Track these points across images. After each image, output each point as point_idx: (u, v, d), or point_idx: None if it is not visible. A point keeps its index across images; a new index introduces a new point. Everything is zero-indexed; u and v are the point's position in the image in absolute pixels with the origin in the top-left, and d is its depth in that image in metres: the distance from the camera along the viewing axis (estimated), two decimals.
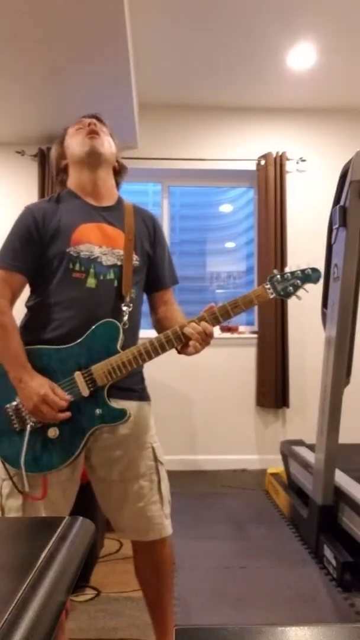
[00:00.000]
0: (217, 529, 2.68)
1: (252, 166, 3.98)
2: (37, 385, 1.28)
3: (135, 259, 1.44)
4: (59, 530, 0.72)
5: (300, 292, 1.32)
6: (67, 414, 1.29)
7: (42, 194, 3.82)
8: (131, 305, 1.40)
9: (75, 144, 1.48)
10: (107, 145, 1.49)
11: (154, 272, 1.53)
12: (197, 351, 1.30)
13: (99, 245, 1.40)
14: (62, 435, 1.30)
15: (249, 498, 3.25)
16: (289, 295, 1.31)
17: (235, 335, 3.95)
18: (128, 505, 1.41)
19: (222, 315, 1.30)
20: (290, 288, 1.30)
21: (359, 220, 2.20)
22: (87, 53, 2.74)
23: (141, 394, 1.46)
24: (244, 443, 3.93)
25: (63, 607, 0.58)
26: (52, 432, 1.30)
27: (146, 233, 1.51)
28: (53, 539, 0.69)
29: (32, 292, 1.46)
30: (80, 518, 0.78)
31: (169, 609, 1.52)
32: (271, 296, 1.31)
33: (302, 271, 1.31)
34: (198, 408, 3.90)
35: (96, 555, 2.26)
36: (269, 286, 1.31)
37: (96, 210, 1.46)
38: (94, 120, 1.51)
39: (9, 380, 1.32)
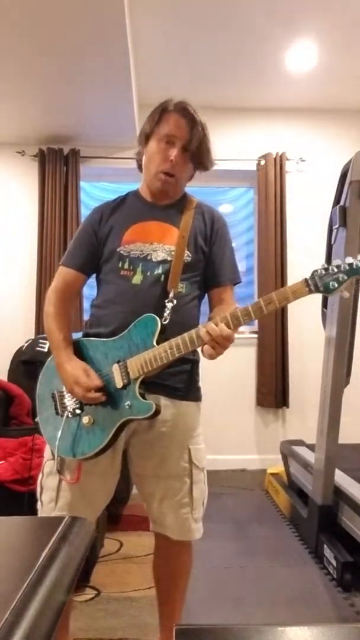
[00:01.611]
0: (217, 528, 2.68)
1: (252, 166, 3.98)
2: (72, 367, 1.35)
3: (187, 255, 1.43)
4: (59, 530, 0.72)
5: (346, 288, 1.18)
6: (98, 394, 1.32)
7: (42, 194, 3.81)
8: (175, 300, 1.38)
9: (150, 166, 1.44)
10: (180, 182, 1.47)
11: (210, 269, 1.50)
12: (210, 356, 1.25)
13: (149, 243, 1.42)
14: (95, 425, 1.34)
15: (249, 498, 3.25)
16: (329, 291, 1.17)
17: (235, 335, 3.94)
18: (157, 501, 1.43)
19: (255, 312, 1.22)
20: (334, 283, 1.17)
21: (359, 220, 2.20)
22: (88, 53, 2.73)
23: (185, 393, 1.44)
24: (244, 443, 3.92)
25: (63, 606, 0.58)
26: (86, 420, 1.35)
27: (202, 229, 1.49)
28: (53, 538, 0.69)
29: (96, 290, 1.53)
30: (81, 518, 0.78)
31: (178, 609, 1.54)
32: (308, 294, 1.20)
33: (350, 264, 1.17)
34: None
35: (96, 555, 2.26)
36: (309, 281, 1.19)
37: (153, 208, 1.47)
38: (177, 155, 1.40)
39: None
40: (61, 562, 0.63)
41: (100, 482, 1.41)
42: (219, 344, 1.22)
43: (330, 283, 1.17)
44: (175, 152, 1.40)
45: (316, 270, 1.19)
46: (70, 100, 3.28)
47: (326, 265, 1.19)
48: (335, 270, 1.17)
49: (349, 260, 1.18)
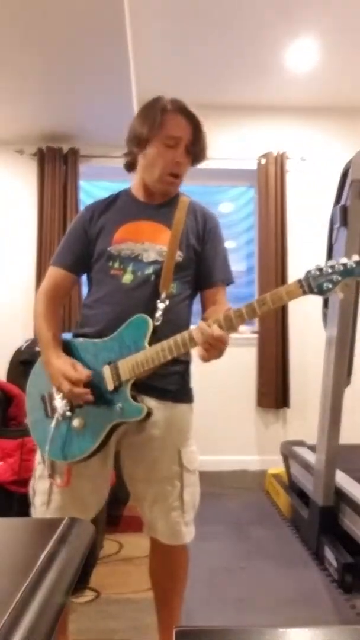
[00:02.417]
0: (217, 529, 2.68)
1: (252, 165, 3.98)
2: (59, 363, 1.34)
3: (179, 255, 1.41)
4: (58, 531, 0.71)
5: (341, 289, 1.14)
6: (86, 390, 1.30)
7: (41, 192, 3.82)
8: (167, 301, 1.36)
9: (154, 169, 1.42)
10: (181, 181, 1.47)
11: (203, 270, 1.48)
12: (203, 358, 1.22)
13: (141, 243, 1.41)
14: (85, 427, 1.32)
15: (249, 499, 3.24)
16: (324, 291, 1.14)
17: (236, 335, 3.93)
18: (148, 504, 1.41)
19: (247, 313, 1.19)
20: (328, 284, 1.14)
21: None
22: (87, 52, 2.73)
23: (176, 395, 1.42)
24: (244, 443, 3.92)
25: (62, 608, 0.57)
26: (77, 423, 1.33)
27: (195, 229, 1.47)
28: (52, 540, 0.68)
29: (87, 290, 1.52)
30: (80, 519, 0.77)
31: (176, 612, 1.52)
32: (302, 294, 1.17)
33: (344, 264, 1.13)
34: (198, 408, 3.84)
35: (96, 556, 2.25)
36: (302, 282, 1.16)
37: (145, 207, 1.46)
38: (182, 157, 1.40)
39: None
40: (60, 563, 0.63)
41: (91, 485, 1.39)
42: (212, 346, 1.19)
43: (324, 284, 1.14)
44: (180, 154, 1.39)
45: (310, 271, 1.16)
46: (70, 99, 3.28)
47: (320, 266, 1.16)
48: (330, 271, 1.14)
49: (343, 260, 1.14)
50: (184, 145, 1.40)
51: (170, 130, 1.38)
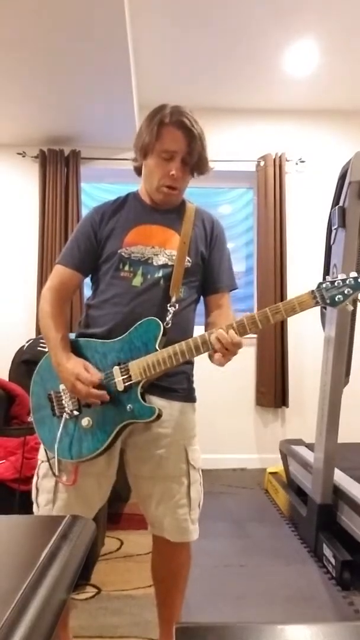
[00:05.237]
0: (216, 527, 2.70)
1: (251, 167, 3.99)
2: (72, 365, 1.34)
3: (188, 261, 1.44)
4: (60, 528, 0.72)
5: (351, 302, 1.21)
6: (102, 392, 1.31)
7: (43, 195, 3.83)
8: (177, 305, 1.39)
9: (152, 180, 1.44)
10: (181, 192, 1.49)
11: (209, 275, 1.51)
12: (220, 363, 1.26)
13: (151, 246, 1.43)
14: (94, 427, 1.34)
15: (248, 497, 3.26)
16: (336, 303, 1.20)
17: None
18: (155, 503, 1.43)
19: (261, 322, 1.24)
20: (340, 296, 1.20)
21: (358, 221, 2.21)
22: (88, 54, 2.74)
23: (182, 395, 1.45)
24: (243, 442, 3.93)
25: (64, 605, 0.58)
26: (85, 422, 1.34)
27: (203, 235, 1.51)
28: (54, 537, 0.70)
29: (91, 291, 1.52)
30: (82, 517, 0.79)
31: (177, 608, 1.54)
32: (314, 305, 1.22)
33: (355, 278, 1.20)
34: (198, 407, 3.89)
35: (97, 553, 2.27)
36: (315, 293, 1.22)
37: (154, 212, 1.48)
38: (177, 170, 1.41)
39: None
40: (62, 561, 0.64)
41: (96, 484, 1.41)
42: (229, 351, 1.24)
43: (337, 296, 1.20)
44: (175, 167, 1.40)
45: (322, 283, 1.21)
46: (71, 102, 3.29)
47: (331, 278, 1.21)
48: (342, 283, 1.20)
49: (354, 274, 1.20)
50: (181, 158, 1.41)
51: (165, 145, 1.39)
